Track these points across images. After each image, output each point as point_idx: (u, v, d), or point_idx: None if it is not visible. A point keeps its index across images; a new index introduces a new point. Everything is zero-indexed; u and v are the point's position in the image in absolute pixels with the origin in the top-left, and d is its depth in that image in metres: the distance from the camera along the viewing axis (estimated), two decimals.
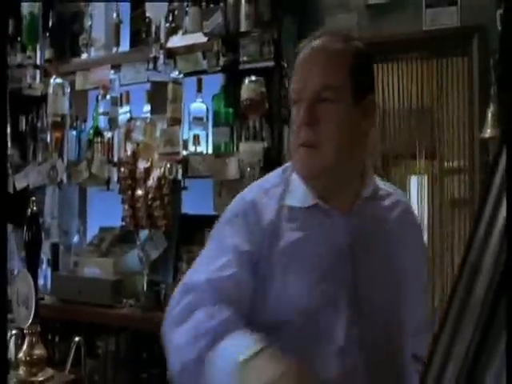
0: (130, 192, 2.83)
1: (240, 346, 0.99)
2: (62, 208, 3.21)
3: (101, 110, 3.00)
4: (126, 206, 2.84)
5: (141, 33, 2.93)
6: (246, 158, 2.49)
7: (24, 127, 3.31)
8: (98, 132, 3.00)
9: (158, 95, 2.84)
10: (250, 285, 1.18)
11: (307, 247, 1.21)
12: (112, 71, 2.99)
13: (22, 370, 1.61)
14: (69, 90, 3.09)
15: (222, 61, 2.57)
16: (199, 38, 2.67)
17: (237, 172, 2.53)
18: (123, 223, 2.90)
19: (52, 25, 3.21)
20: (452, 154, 2.80)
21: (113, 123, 2.97)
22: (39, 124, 3.25)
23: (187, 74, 2.73)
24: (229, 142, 2.63)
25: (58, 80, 3.08)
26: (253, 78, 2.49)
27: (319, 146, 1.18)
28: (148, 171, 2.78)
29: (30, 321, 1.60)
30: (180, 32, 2.77)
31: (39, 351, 1.64)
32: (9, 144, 3.22)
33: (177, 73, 2.72)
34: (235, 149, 2.60)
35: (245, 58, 2.54)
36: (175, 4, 2.79)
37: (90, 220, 3.31)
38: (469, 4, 2.32)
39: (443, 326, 0.53)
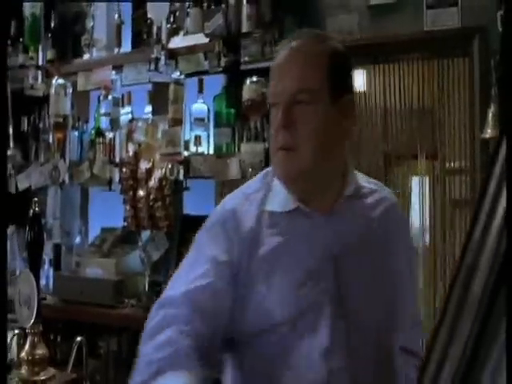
0: (131, 192, 2.84)
1: None
2: (64, 208, 3.22)
3: (102, 110, 3.01)
4: (128, 207, 2.85)
5: (142, 34, 2.94)
6: (248, 158, 2.50)
7: (26, 128, 3.32)
8: (99, 132, 3.01)
9: (159, 96, 2.85)
10: (228, 294, 1.17)
11: (288, 252, 1.21)
12: (114, 72, 2.99)
13: (24, 370, 1.63)
14: (71, 91, 3.10)
15: (223, 61, 2.58)
16: (200, 38, 2.67)
17: (238, 172, 2.53)
18: (125, 224, 2.91)
19: (54, 26, 3.22)
20: (453, 155, 2.80)
21: (114, 124, 2.97)
22: (41, 124, 3.26)
23: (188, 75, 2.73)
24: (230, 142, 2.64)
25: (60, 81, 3.09)
26: (254, 78, 2.49)
27: (297, 148, 1.18)
28: (149, 172, 2.79)
29: (32, 321, 1.61)
30: (181, 33, 2.78)
31: (41, 351, 1.64)
32: (11, 144, 3.23)
33: (178, 73, 2.72)
34: (236, 149, 2.60)
35: (246, 59, 2.54)
36: (176, 5, 2.79)
37: (91, 220, 3.31)
38: (469, 5, 2.32)
39: (441, 324, 0.53)
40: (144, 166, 2.81)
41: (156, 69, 2.75)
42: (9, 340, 1.94)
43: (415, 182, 3.01)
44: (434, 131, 2.82)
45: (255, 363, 1.21)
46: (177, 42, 2.76)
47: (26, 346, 1.64)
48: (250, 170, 2.47)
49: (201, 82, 2.72)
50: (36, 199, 1.74)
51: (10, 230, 3.10)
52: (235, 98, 2.59)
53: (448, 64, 2.66)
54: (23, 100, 3.24)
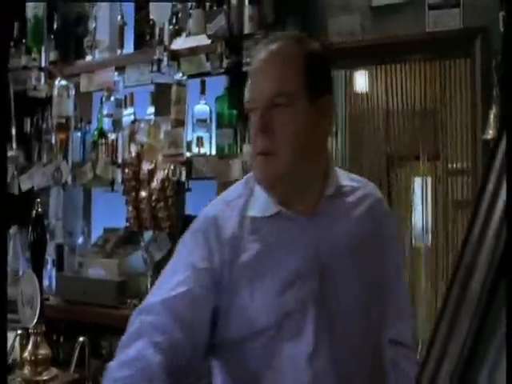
0: (134, 193, 2.84)
1: None
2: (67, 209, 3.23)
3: (105, 111, 3.01)
4: (130, 208, 2.86)
5: (145, 35, 2.94)
6: (250, 159, 2.50)
7: (29, 129, 3.32)
8: (102, 133, 3.02)
9: (161, 97, 2.85)
10: (208, 301, 1.17)
11: (271, 256, 1.20)
12: (116, 73, 3.00)
13: (26, 370, 1.63)
14: (73, 92, 3.12)
15: (225, 63, 2.58)
16: (203, 40, 2.67)
17: (240, 173, 2.53)
18: (127, 224, 2.91)
19: (56, 27, 3.23)
20: (455, 156, 2.80)
21: (117, 125, 2.98)
22: (44, 126, 3.27)
23: (191, 76, 2.73)
24: (232, 143, 2.64)
25: (63, 82, 3.10)
26: None
27: (276, 152, 1.17)
28: (152, 173, 2.79)
29: (35, 321, 1.61)
30: (184, 34, 2.78)
31: (44, 351, 1.65)
32: (14, 145, 3.24)
33: (180, 75, 2.73)
34: (239, 150, 2.61)
35: (248, 60, 2.55)
36: (179, 6, 2.80)
37: (94, 221, 3.32)
38: (471, 6, 2.32)
39: (440, 321, 0.53)
40: (146, 166, 2.81)
41: (158, 70, 2.76)
42: (11, 340, 1.94)
43: (417, 182, 3.01)
44: (436, 132, 2.82)
45: (241, 367, 1.21)
46: (179, 44, 2.77)
47: (29, 346, 1.64)
48: None
49: (203, 83, 2.73)
50: (39, 200, 1.75)
51: (13, 230, 3.11)
52: (237, 99, 2.59)
53: (450, 65, 2.66)
54: (26, 101, 3.25)
